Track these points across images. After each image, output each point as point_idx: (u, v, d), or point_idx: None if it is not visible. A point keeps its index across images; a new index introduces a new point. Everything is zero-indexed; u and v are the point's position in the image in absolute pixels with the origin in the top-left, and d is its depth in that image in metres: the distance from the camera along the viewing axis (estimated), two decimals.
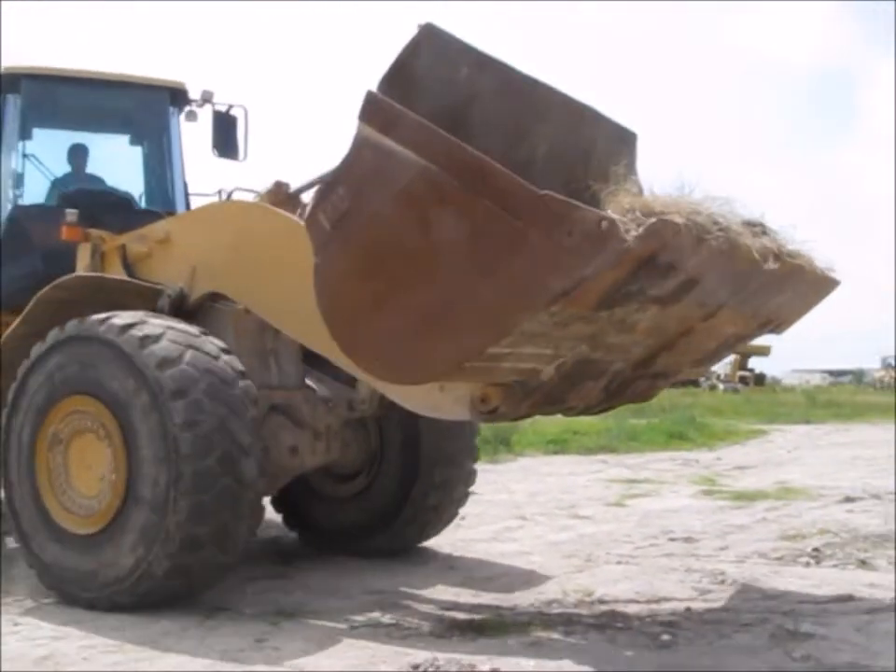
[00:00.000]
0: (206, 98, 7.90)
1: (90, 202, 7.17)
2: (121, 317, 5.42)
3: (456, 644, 4.70)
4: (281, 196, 6.26)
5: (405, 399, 5.37)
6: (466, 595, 5.79)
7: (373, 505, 6.77)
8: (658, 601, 5.69)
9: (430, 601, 5.63)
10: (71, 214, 6.68)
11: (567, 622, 5.14)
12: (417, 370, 4.64)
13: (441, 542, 7.15)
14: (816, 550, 7.28)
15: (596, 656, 4.50)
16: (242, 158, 8.01)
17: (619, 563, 6.87)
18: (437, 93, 4.81)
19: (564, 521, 7.27)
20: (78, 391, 5.49)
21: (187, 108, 8.00)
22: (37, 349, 5.67)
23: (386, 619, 5.17)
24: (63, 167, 7.79)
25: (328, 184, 4.70)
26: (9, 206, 7.41)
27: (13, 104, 7.40)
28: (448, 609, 5.41)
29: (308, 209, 4.96)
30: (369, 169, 4.46)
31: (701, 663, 4.39)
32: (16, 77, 7.33)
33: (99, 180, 7.90)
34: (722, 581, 6.16)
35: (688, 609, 5.41)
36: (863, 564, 6.84)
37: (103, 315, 5.48)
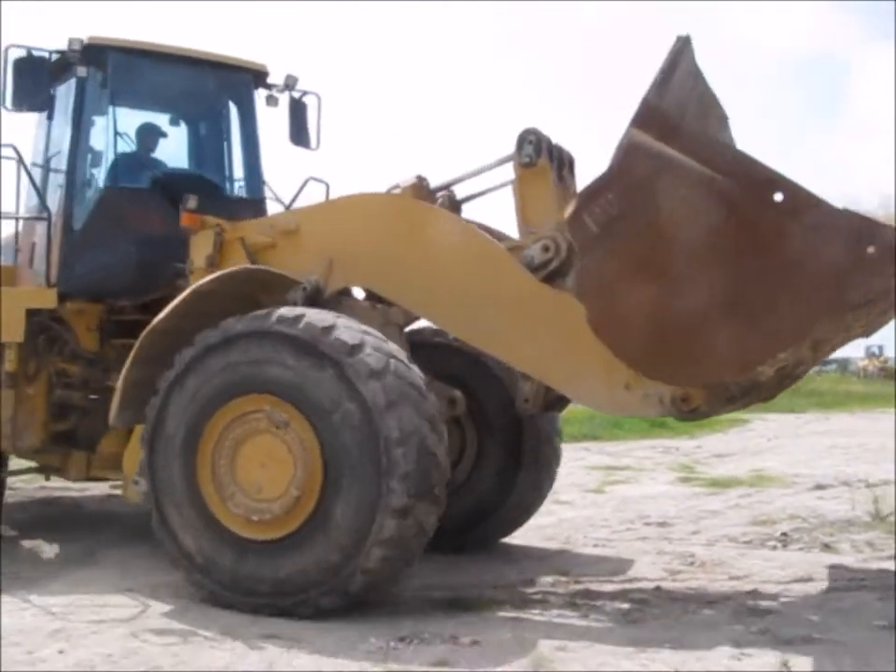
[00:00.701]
0: (290, 84, 7.53)
1: (182, 187, 6.76)
2: (318, 318, 5.15)
3: (440, 619, 5.02)
4: (423, 192, 6.17)
5: (587, 399, 5.60)
6: (449, 574, 6.09)
7: (472, 498, 6.67)
8: (630, 581, 6.03)
9: (415, 578, 5.86)
10: (192, 199, 6.45)
11: (544, 599, 5.48)
12: (700, 370, 4.82)
13: None
14: (784, 534, 7.62)
15: (569, 630, 4.83)
16: (315, 146, 7.75)
17: (595, 546, 7.23)
18: (682, 103, 4.93)
19: (545, 506, 7.52)
20: (259, 390, 5.22)
21: (266, 93, 7.61)
22: (204, 342, 5.31)
23: (373, 596, 5.51)
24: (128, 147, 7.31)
25: (595, 187, 4.76)
26: (92, 187, 7.04)
27: (95, 78, 6.91)
28: (433, 588, 5.73)
29: (571, 210, 4.99)
30: (642, 176, 4.59)
31: (667, 636, 4.70)
32: (101, 49, 6.85)
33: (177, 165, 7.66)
34: (692, 563, 6.50)
35: (657, 588, 5.74)
36: (827, 547, 7.17)
37: (292, 312, 5.24)
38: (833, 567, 6.31)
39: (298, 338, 5.07)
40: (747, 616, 5.07)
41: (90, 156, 7.07)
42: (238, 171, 7.72)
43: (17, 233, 7.54)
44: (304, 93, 7.61)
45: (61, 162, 6.99)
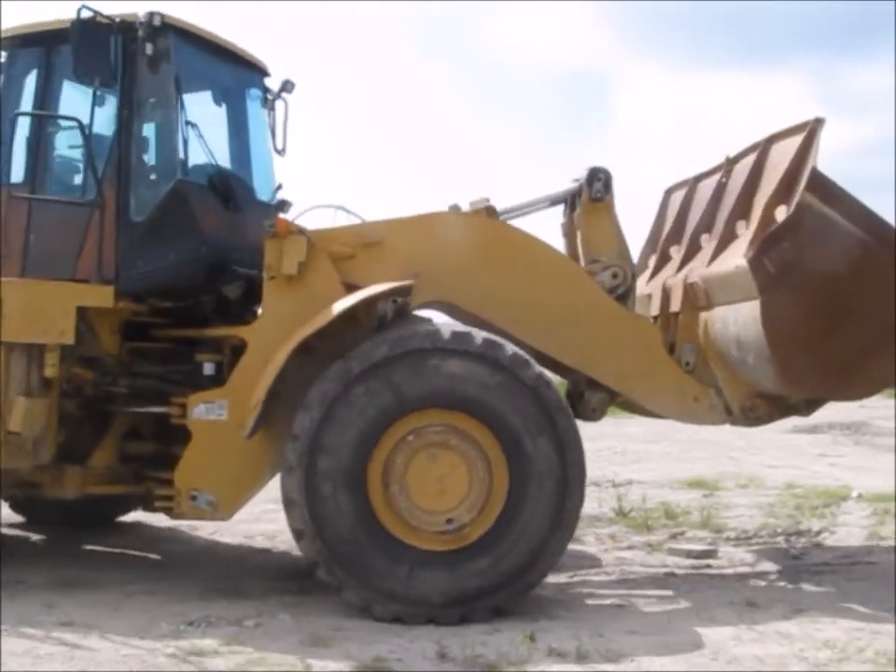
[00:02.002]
0: (287, 88, 7.17)
1: (230, 187, 6.46)
2: (482, 334, 5.39)
3: (226, 604, 5.46)
4: (493, 214, 6.40)
5: (665, 411, 6.37)
6: (232, 568, 6.61)
7: None
8: None
9: (197, 572, 6.37)
10: (288, 205, 6.33)
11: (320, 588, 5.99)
12: (859, 386, 6.12)
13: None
14: None
15: (346, 612, 5.38)
16: (283, 152, 7.28)
17: None
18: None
19: None
20: (439, 405, 5.34)
21: (262, 95, 7.23)
22: (368, 358, 5.28)
23: (162, 586, 5.87)
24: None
25: (772, 236, 5.69)
26: (159, 177, 6.36)
27: (164, 58, 6.19)
28: (219, 579, 6.15)
29: (752, 254, 5.69)
30: (811, 230, 5.70)
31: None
32: (174, 29, 6.21)
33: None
34: None
35: None
36: (574, 540, 8.02)
37: (459, 329, 5.50)
38: (577, 556, 7.13)
39: (478, 354, 5.30)
40: None
41: (151, 143, 6.51)
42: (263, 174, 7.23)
43: None
44: (276, 98, 7.25)
45: (103, 146, 6.17)
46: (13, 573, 5.84)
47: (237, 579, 6.14)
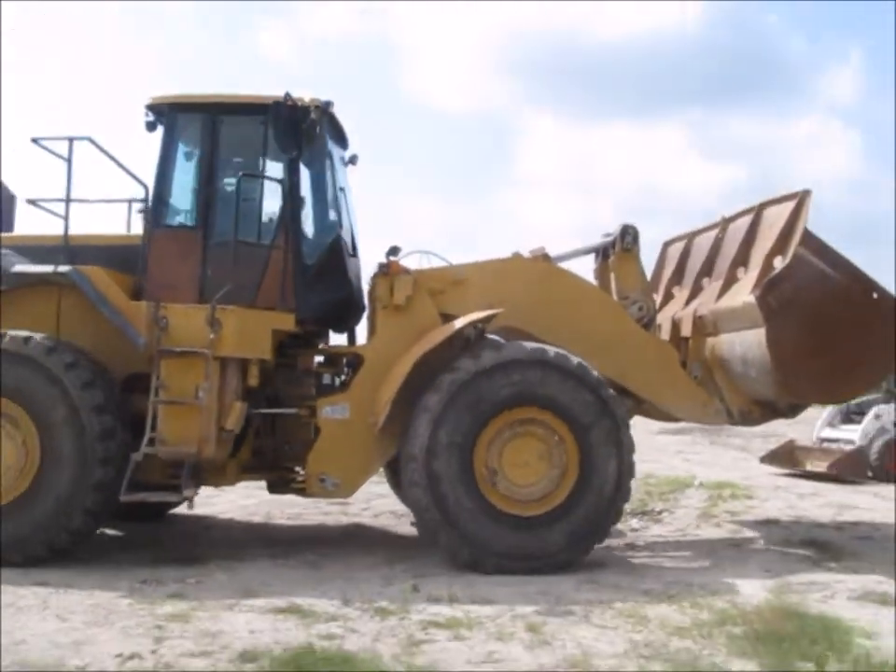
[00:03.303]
0: (354, 161, 8.47)
1: (354, 239, 8.07)
2: (545, 348, 6.85)
3: (175, 568, 6.50)
4: (547, 260, 7.89)
5: (682, 414, 7.96)
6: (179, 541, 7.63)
7: None
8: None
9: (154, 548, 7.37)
10: (398, 250, 7.47)
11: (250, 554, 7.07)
12: (844, 392, 7.94)
13: None
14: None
15: (271, 573, 6.47)
16: None
17: (289, 519, 8.96)
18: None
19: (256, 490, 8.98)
20: (527, 402, 6.74)
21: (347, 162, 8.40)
22: (475, 367, 6.69)
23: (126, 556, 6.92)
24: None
25: (774, 279, 7.15)
26: (322, 229, 7.66)
27: (328, 135, 7.66)
28: (166, 549, 7.19)
29: (759, 293, 7.13)
30: (805, 275, 7.18)
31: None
32: (325, 112, 7.50)
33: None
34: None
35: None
36: None
37: (535, 346, 6.84)
38: None
39: (562, 367, 6.77)
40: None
41: (313, 201, 7.70)
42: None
43: (144, 245, 7.30)
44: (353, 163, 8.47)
45: (278, 200, 7.36)
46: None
47: (181, 549, 7.19)
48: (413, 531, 7.75)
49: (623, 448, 6.80)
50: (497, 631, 5.13)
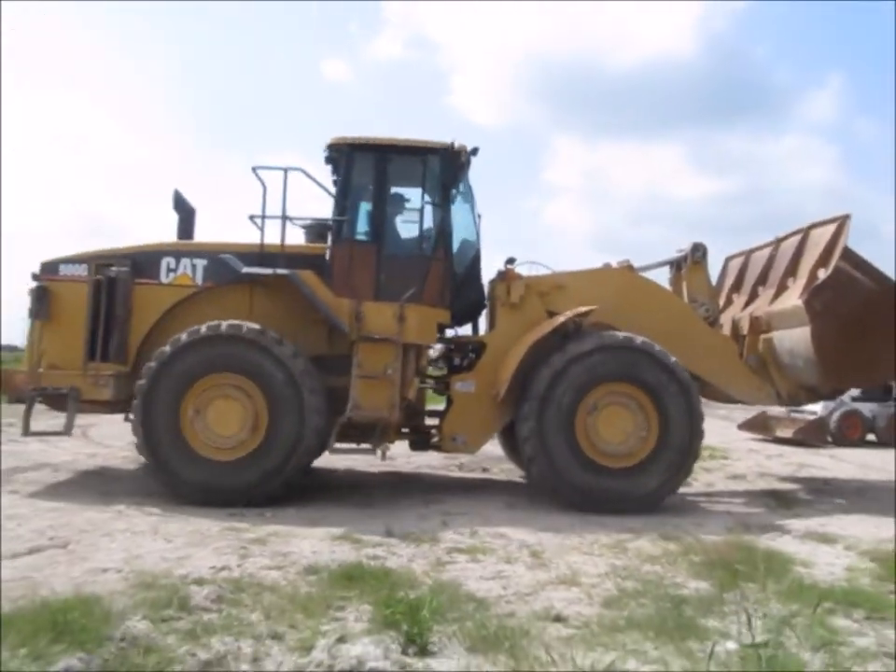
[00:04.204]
0: None
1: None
2: (633, 336, 8.27)
3: (259, 509, 7.60)
4: (632, 270, 9.41)
5: (741, 396, 9.46)
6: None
7: None
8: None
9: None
10: (514, 260, 9.11)
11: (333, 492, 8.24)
12: (874, 377, 9.73)
13: None
14: (461, 463, 10.92)
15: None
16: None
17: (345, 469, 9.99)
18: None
19: None
20: (619, 378, 8.11)
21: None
22: (577, 350, 8.16)
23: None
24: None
25: (819, 287, 8.56)
26: (465, 247, 9.04)
27: (465, 173, 8.93)
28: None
29: (806, 296, 8.59)
30: (844, 283, 8.58)
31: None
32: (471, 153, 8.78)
33: None
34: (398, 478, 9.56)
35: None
36: (484, 470, 10.59)
37: (626, 335, 8.25)
38: (486, 482, 9.51)
39: (647, 352, 8.20)
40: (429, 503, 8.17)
41: (459, 225, 9.06)
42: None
43: (331, 254, 8.62)
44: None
45: (435, 223, 8.73)
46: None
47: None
48: (445, 479, 8.95)
49: (694, 418, 8.17)
50: (506, 556, 6.15)
